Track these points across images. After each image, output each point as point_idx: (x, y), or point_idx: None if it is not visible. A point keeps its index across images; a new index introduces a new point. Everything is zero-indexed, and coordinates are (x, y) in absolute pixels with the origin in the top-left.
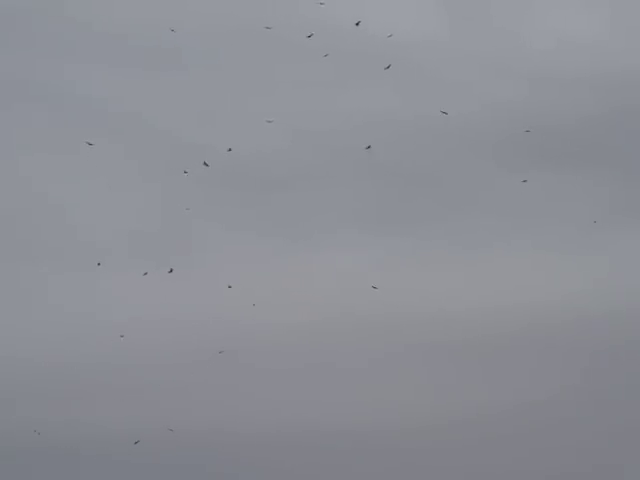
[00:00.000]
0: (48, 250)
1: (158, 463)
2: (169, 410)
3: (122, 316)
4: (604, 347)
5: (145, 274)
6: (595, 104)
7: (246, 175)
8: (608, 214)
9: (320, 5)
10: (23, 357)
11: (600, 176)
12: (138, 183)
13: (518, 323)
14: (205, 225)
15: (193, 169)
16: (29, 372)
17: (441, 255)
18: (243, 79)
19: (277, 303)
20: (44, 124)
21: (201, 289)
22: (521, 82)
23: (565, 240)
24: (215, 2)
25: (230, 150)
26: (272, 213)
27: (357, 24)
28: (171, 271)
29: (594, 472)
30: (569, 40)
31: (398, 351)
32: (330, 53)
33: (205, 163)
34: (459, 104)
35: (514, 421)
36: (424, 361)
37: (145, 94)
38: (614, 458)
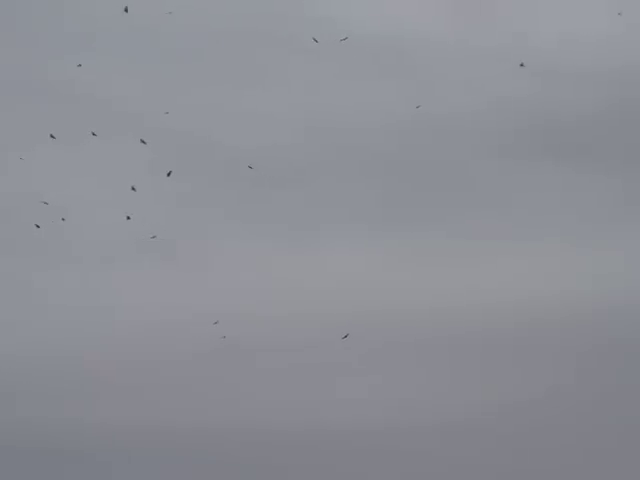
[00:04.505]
0: (49, 247)
1: (158, 463)
2: (170, 409)
3: (123, 313)
4: (603, 345)
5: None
6: (605, 98)
7: (255, 171)
8: (610, 211)
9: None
10: (23, 355)
11: (603, 172)
12: (146, 179)
13: (517, 320)
14: (211, 219)
15: (200, 166)
16: (29, 371)
17: (448, 252)
18: (254, 75)
19: (280, 299)
20: (46, 119)
21: (205, 285)
22: (528, 78)
23: (565, 237)
24: None
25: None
26: (280, 209)
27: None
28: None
29: (591, 471)
30: (575, 35)
31: (396, 349)
32: (340, 50)
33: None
34: (465, 101)
35: (509, 420)
36: (422, 359)
37: (154, 91)
38: (610, 457)
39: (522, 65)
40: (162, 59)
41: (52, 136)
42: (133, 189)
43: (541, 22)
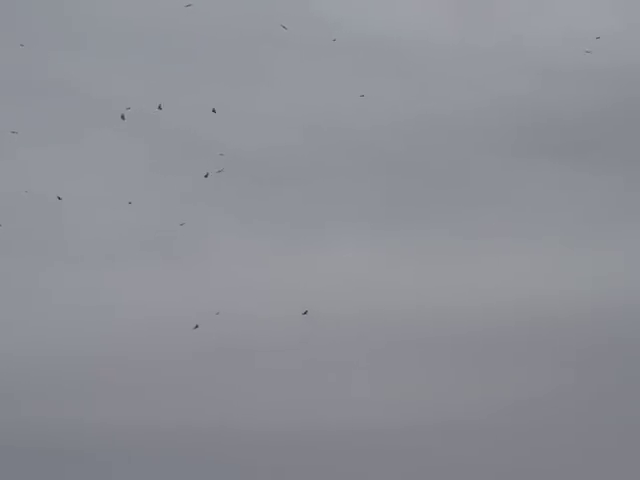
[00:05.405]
0: (50, 246)
1: (158, 463)
2: (170, 409)
3: (123, 312)
4: (602, 345)
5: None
6: (605, 97)
7: (257, 170)
8: (610, 211)
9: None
10: (23, 355)
11: (604, 171)
12: (147, 177)
13: (518, 320)
14: (212, 217)
15: (202, 164)
16: (29, 371)
17: (450, 250)
18: (254, 75)
19: (280, 299)
20: (45, 118)
21: (206, 285)
22: (530, 76)
23: (565, 236)
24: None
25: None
26: (281, 208)
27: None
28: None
29: (591, 471)
30: (575, 34)
31: (397, 348)
32: (341, 50)
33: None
34: (466, 100)
35: (509, 420)
36: (423, 359)
37: (153, 89)
38: (610, 457)
39: (588, 52)
40: (162, 59)
41: (123, 117)
42: (206, 176)
43: (541, 21)
